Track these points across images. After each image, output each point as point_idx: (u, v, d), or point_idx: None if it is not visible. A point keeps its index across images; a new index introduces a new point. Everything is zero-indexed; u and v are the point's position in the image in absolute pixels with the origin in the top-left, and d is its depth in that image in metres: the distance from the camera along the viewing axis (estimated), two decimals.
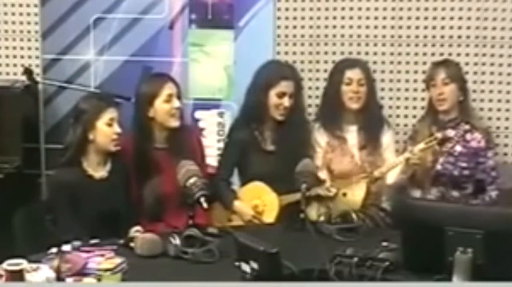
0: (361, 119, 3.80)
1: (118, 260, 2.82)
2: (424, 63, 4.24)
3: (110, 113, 3.33)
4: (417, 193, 3.79)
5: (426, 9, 4.30)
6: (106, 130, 3.31)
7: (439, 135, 3.56)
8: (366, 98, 3.77)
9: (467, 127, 3.76)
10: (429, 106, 3.90)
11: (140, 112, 3.50)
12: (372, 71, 3.97)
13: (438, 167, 3.75)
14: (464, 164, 3.75)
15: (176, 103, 3.48)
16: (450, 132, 3.73)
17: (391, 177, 3.69)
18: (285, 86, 3.65)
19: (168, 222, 3.46)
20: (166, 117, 3.47)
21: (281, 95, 3.64)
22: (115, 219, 3.26)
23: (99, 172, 3.36)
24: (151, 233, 3.08)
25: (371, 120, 3.81)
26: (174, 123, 3.48)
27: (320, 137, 3.81)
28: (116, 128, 3.33)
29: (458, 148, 3.75)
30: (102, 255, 2.86)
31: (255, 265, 2.58)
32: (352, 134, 3.80)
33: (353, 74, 3.76)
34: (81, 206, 3.27)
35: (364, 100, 3.77)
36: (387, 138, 3.83)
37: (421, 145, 3.54)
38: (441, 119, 3.80)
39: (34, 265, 2.63)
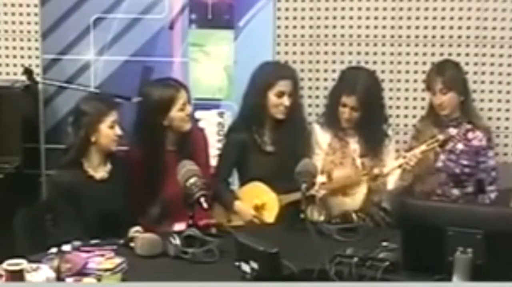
0: (359, 133, 3.76)
1: (118, 260, 2.82)
2: (424, 63, 4.24)
3: (112, 116, 3.34)
4: (418, 191, 3.79)
5: (426, 9, 4.31)
6: (108, 132, 3.32)
7: (440, 136, 3.56)
8: (361, 121, 3.69)
9: (469, 126, 3.77)
10: (430, 106, 3.90)
11: (153, 119, 3.46)
12: (373, 90, 3.74)
13: (439, 164, 3.76)
14: (465, 162, 3.76)
15: (188, 109, 3.50)
16: (452, 131, 3.73)
17: (391, 183, 3.68)
18: (283, 85, 3.64)
19: (173, 223, 3.46)
20: (180, 123, 3.48)
21: (280, 94, 3.63)
22: (115, 219, 3.26)
23: (100, 172, 3.37)
24: (151, 233, 3.08)
25: (369, 134, 3.75)
26: (187, 127, 3.50)
27: (322, 139, 3.79)
28: (118, 131, 3.34)
29: (460, 146, 3.76)
30: (102, 255, 2.87)
31: (255, 265, 2.58)
32: (353, 138, 3.78)
33: (348, 100, 3.66)
34: (82, 207, 3.27)
35: (358, 123, 3.70)
36: (387, 148, 3.79)
37: (423, 147, 3.54)
38: (443, 119, 3.80)
39: (34, 265, 2.63)
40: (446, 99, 3.75)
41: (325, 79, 4.35)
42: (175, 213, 3.41)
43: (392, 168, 3.61)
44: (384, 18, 4.35)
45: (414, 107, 4.35)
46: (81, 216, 3.26)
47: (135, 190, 3.45)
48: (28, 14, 4.57)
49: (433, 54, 4.29)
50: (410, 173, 3.61)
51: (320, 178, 3.51)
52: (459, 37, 4.29)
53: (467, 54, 4.29)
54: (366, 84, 3.70)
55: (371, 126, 3.73)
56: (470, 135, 3.77)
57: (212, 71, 4.30)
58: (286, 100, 3.63)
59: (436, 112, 3.82)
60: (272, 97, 3.64)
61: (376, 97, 3.78)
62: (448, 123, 3.77)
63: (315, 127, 3.84)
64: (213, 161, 3.81)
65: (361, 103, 3.66)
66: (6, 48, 4.62)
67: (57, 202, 3.33)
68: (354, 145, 3.76)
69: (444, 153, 3.75)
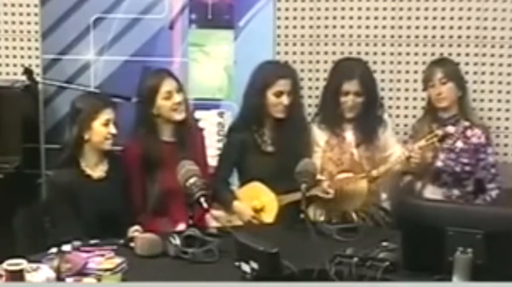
0: (356, 122, 3.77)
1: (118, 260, 2.83)
2: (424, 63, 4.23)
3: (106, 114, 3.34)
4: (417, 190, 3.80)
5: (426, 9, 4.31)
6: (101, 130, 3.32)
7: (439, 132, 3.56)
8: (363, 107, 3.71)
9: (467, 123, 3.80)
10: (428, 105, 3.91)
11: (144, 110, 3.53)
12: (372, 77, 3.85)
13: (440, 163, 3.76)
14: (465, 160, 3.77)
15: (176, 98, 3.50)
16: (451, 129, 3.74)
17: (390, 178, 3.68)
18: (282, 84, 3.64)
19: (173, 217, 3.46)
20: (168, 113, 3.51)
21: (279, 94, 3.63)
22: (113, 218, 3.26)
23: (97, 172, 3.37)
24: (151, 233, 3.08)
25: (366, 122, 3.77)
26: (178, 116, 3.52)
27: (319, 136, 3.80)
28: (112, 129, 3.34)
29: (459, 144, 3.77)
30: (102, 255, 2.87)
31: (255, 265, 2.58)
32: (349, 132, 3.79)
33: (350, 86, 3.68)
34: (79, 206, 3.27)
35: (360, 109, 3.72)
36: (385, 134, 3.80)
37: (422, 142, 3.54)
38: (441, 117, 3.81)
39: (34, 265, 2.63)
40: (445, 89, 3.76)
41: (325, 79, 4.34)
42: (174, 208, 3.42)
43: (390, 166, 3.60)
44: (384, 18, 4.35)
45: (414, 107, 4.35)
46: (79, 216, 3.26)
47: (133, 187, 3.47)
48: (28, 14, 4.57)
49: (433, 54, 4.29)
50: (410, 168, 3.60)
51: (320, 176, 3.51)
52: (459, 37, 4.29)
53: (467, 54, 4.29)
54: (363, 68, 3.80)
55: (372, 112, 3.76)
56: (468, 132, 3.79)
57: (212, 71, 4.30)
58: (285, 99, 3.63)
59: (434, 110, 3.83)
60: (271, 96, 3.64)
61: (374, 81, 3.84)
62: (446, 120, 3.78)
63: (312, 127, 3.83)
64: (213, 161, 3.82)
65: (363, 86, 3.69)
66: (6, 48, 4.62)
67: (55, 202, 3.33)
68: (350, 138, 3.75)
69: (444, 152, 3.76)
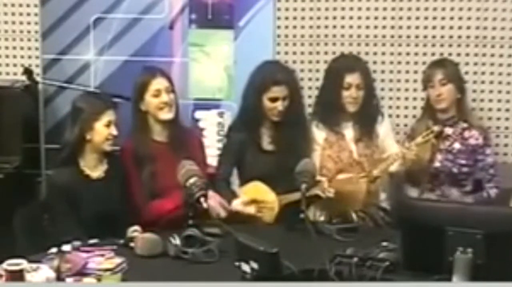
0: (357, 116, 3.78)
1: (118, 260, 2.83)
2: (424, 63, 4.24)
3: (108, 116, 3.35)
4: (415, 191, 3.81)
5: (426, 9, 4.31)
6: (103, 131, 3.33)
7: (435, 128, 3.57)
8: (363, 100, 3.74)
9: (464, 125, 3.81)
10: (426, 105, 3.92)
11: (134, 106, 3.56)
12: (371, 71, 3.93)
13: (437, 164, 3.77)
14: (463, 161, 3.78)
15: (164, 97, 3.50)
16: (448, 130, 3.76)
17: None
18: (277, 91, 3.63)
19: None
20: (155, 111, 3.51)
21: (273, 99, 3.63)
22: (112, 218, 3.26)
23: (96, 172, 3.38)
24: (151, 233, 3.08)
25: (366, 114, 3.78)
26: (164, 116, 3.51)
27: (318, 134, 3.80)
28: (113, 130, 3.35)
29: (457, 145, 3.78)
30: (102, 255, 2.87)
31: (255, 265, 2.58)
32: (348, 130, 3.79)
33: (352, 79, 3.70)
34: (79, 206, 3.27)
35: (361, 103, 3.74)
36: (383, 128, 3.81)
37: (419, 139, 3.54)
38: (439, 118, 3.82)
39: (34, 265, 2.63)
40: (445, 91, 3.77)
41: None
42: (172, 206, 3.43)
43: (389, 164, 3.60)
44: (384, 18, 4.35)
45: (414, 107, 4.35)
46: (78, 215, 3.26)
47: (131, 185, 3.46)
48: (28, 14, 4.57)
49: (433, 54, 4.29)
50: (407, 165, 3.61)
51: (319, 175, 3.51)
52: (459, 37, 4.30)
53: (467, 54, 4.29)
54: (362, 63, 3.86)
55: (372, 106, 3.78)
56: (466, 134, 3.80)
57: (212, 71, 4.30)
58: (279, 105, 3.63)
59: (432, 110, 3.84)
60: (266, 101, 3.64)
61: (373, 77, 3.89)
62: (444, 122, 3.79)
63: (310, 124, 3.83)
64: (214, 161, 3.82)
65: (365, 79, 3.72)
66: (6, 48, 4.63)
67: (54, 201, 3.33)
68: (349, 135, 3.76)
69: (442, 153, 3.77)
